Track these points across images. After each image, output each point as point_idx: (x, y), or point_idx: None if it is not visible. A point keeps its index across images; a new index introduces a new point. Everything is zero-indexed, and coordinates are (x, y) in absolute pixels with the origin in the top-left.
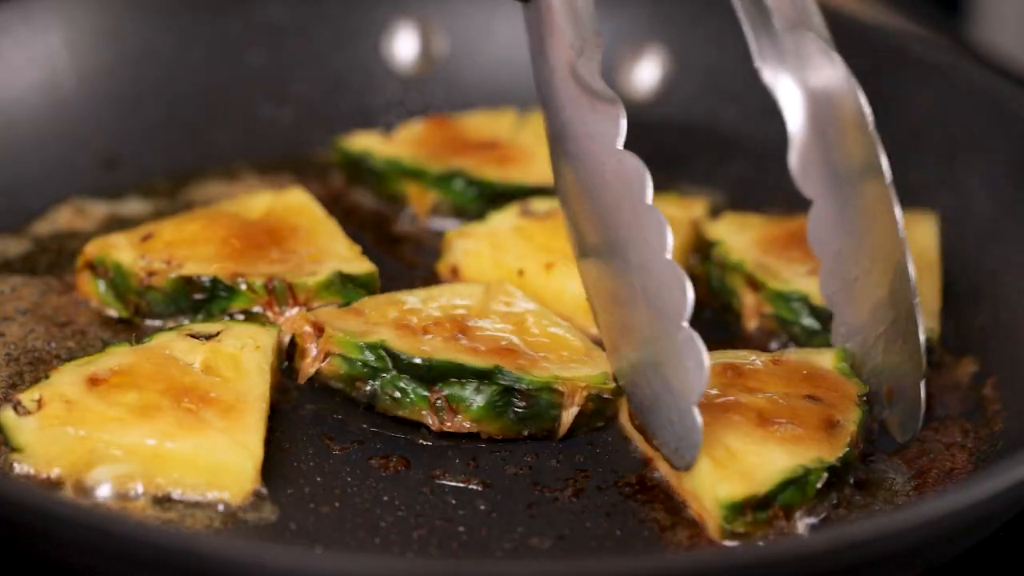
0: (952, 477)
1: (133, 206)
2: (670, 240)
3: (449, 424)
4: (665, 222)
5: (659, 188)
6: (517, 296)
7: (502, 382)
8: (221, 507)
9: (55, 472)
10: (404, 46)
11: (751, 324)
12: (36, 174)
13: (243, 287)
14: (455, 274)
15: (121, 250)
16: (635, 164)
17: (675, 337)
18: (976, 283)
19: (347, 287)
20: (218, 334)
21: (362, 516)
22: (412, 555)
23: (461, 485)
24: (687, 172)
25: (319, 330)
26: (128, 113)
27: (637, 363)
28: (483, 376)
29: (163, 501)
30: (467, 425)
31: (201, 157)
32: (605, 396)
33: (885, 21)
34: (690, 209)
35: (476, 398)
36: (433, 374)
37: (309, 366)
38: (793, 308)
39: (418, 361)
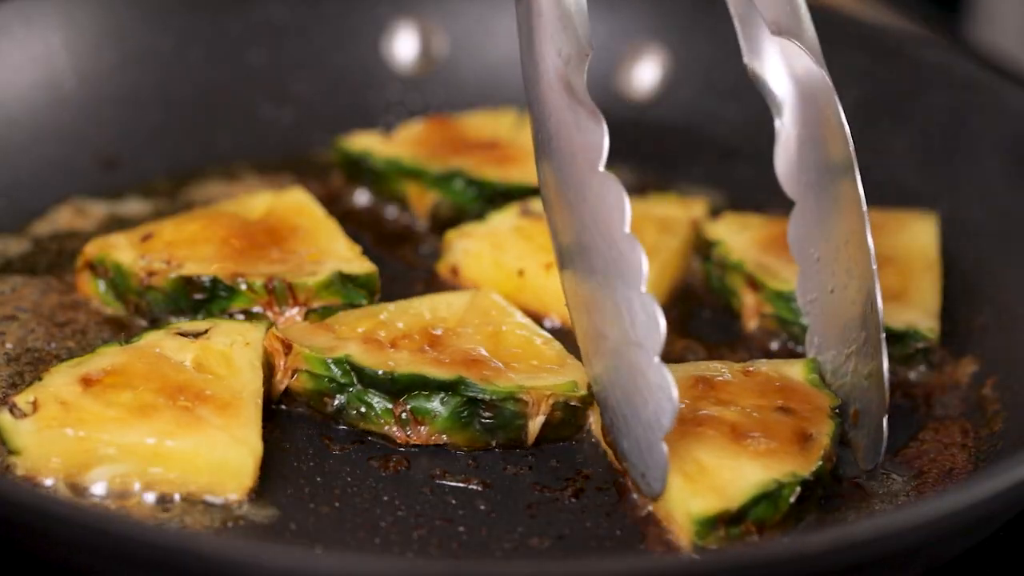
0: (952, 477)
1: (133, 206)
2: (646, 272)
3: (415, 437)
4: (642, 253)
5: (659, 188)
6: (500, 304)
7: (466, 393)
8: (221, 506)
9: (54, 473)
10: (404, 46)
11: (751, 324)
12: (36, 174)
13: (243, 287)
14: (455, 274)
15: (121, 250)
16: (615, 191)
17: (646, 371)
18: (976, 283)
19: (347, 287)
20: (206, 331)
21: (362, 516)
22: (412, 555)
23: (461, 485)
24: (687, 172)
25: (287, 347)
26: (128, 113)
27: (609, 382)
28: (447, 388)
29: (162, 500)
30: (434, 437)
31: (201, 157)
32: (573, 404)
33: (885, 21)
34: (690, 209)
35: (441, 409)
36: (397, 387)
37: (279, 383)
38: (793, 308)
39: (381, 373)
